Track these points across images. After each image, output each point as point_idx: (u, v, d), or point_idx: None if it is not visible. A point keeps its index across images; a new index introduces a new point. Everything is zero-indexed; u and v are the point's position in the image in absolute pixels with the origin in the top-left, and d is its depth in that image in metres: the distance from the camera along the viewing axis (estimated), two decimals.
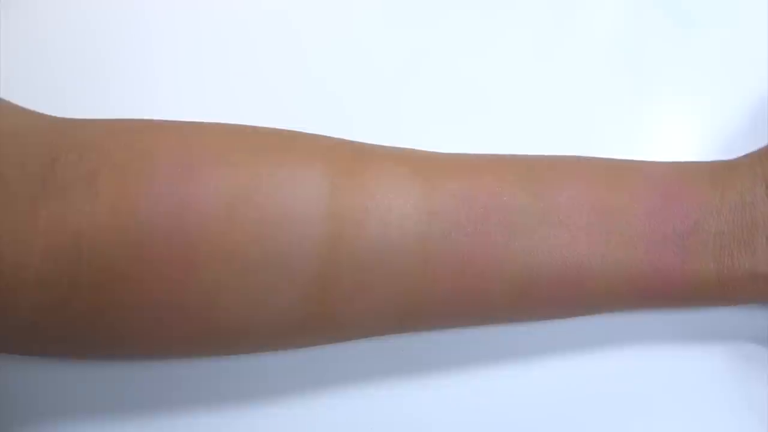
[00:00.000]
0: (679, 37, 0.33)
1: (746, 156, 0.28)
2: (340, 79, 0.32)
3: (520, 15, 0.34)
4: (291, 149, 0.25)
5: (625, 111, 0.32)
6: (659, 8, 0.34)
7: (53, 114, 0.25)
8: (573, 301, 0.26)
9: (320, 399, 0.28)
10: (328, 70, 0.33)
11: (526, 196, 0.25)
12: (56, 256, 0.22)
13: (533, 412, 0.28)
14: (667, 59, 0.33)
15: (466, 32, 0.34)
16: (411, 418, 0.28)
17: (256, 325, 0.24)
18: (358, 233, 0.24)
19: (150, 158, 0.23)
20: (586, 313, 0.28)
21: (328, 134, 0.26)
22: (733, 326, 0.29)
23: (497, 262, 0.25)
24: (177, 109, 0.27)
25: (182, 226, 0.23)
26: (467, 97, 0.32)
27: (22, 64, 0.31)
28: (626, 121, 0.32)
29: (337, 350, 0.28)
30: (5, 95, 0.25)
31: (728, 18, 0.34)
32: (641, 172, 0.27)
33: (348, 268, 0.24)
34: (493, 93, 0.33)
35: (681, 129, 0.32)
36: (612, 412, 0.28)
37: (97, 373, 0.28)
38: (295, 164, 0.24)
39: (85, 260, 0.22)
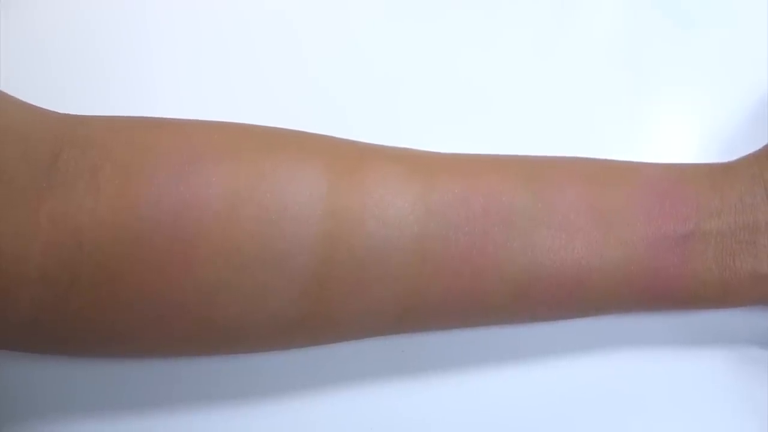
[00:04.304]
0: (678, 38, 0.33)
1: (744, 157, 0.28)
2: (340, 78, 0.33)
3: (520, 15, 0.34)
4: (291, 148, 0.25)
5: (624, 111, 0.32)
6: (658, 8, 0.34)
7: None
8: (572, 302, 0.26)
9: (320, 399, 0.28)
10: (327, 70, 0.33)
11: (525, 197, 0.25)
12: (57, 251, 0.22)
13: (533, 413, 0.28)
14: (667, 59, 0.33)
15: (465, 32, 0.34)
16: (411, 418, 0.28)
17: (254, 323, 0.24)
18: (356, 231, 0.24)
19: (151, 155, 0.23)
20: (585, 315, 0.27)
21: (327, 134, 0.26)
22: (734, 329, 0.29)
23: (496, 262, 0.25)
24: (177, 109, 0.27)
25: (183, 223, 0.23)
26: (467, 96, 0.32)
27: (22, 64, 0.31)
28: (625, 121, 0.32)
29: (336, 350, 0.28)
30: None
31: (728, 18, 0.34)
32: (640, 173, 0.27)
33: (346, 267, 0.24)
34: (492, 93, 0.33)
35: (680, 129, 0.32)
36: (612, 415, 0.28)
37: (97, 372, 0.28)
38: (295, 163, 0.24)
39: (85, 256, 0.22)
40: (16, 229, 0.22)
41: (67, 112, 0.25)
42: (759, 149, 0.28)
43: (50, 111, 0.25)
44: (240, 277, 0.23)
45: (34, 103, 0.25)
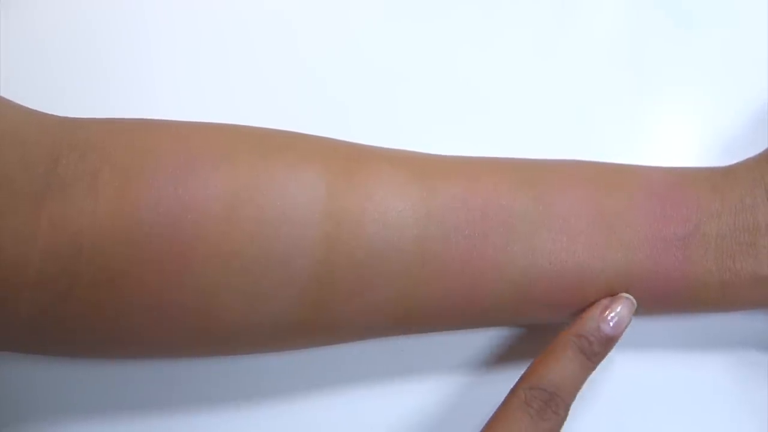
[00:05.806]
0: (680, 38, 0.33)
1: (745, 161, 0.28)
2: (339, 79, 0.32)
3: (520, 16, 0.34)
4: (290, 150, 0.25)
5: (625, 112, 0.32)
6: (660, 9, 0.34)
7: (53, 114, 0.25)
8: (572, 305, 0.26)
9: (320, 399, 0.28)
10: (327, 71, 0.33)
11: (525, 200, 0.25)
12: (56, 254, 0.22)
13: None
14: (668, 60, 0.33)
15: (465, 33, 0.34)
16: (411, 418, 0.28)
17: (253, 325, 0.24)
18: (355, 234, 0.24)
19: (150, 158, 0.23)
20: None
21: (327, 135, 0.26)
22: (734, 332, 0.29)
23: (496, 264, 0.25)
24: (177, 109, 0.27)
25: (182, 225, 0.23)
26: (466, 97, 0.32)
27: (22, 64, 0.31)
28: (627, 122, 0.32)
29: (336, 351, 0.28)
30: (5, 95, 0.25)
31: (729, 19, 0.34)
32: (641, 176, 0.27)
33: (345, 269, 0.24)
34: (492, 94, 0.33)
35: (681, 130, 0.32)
36: (612, 417, 0.28)
37: (97, 374, 0.28)
38: (294, 165, 0.24)
39: (85, 259, 0.22)
40: (17, 233, 0.22)
41: (66, 112, 0.25)
42: (760, 153, 0.28)
43: (48, 114, 0.25)
44: (239, 279, 0.23)
45: (34, 103, 0.25)
